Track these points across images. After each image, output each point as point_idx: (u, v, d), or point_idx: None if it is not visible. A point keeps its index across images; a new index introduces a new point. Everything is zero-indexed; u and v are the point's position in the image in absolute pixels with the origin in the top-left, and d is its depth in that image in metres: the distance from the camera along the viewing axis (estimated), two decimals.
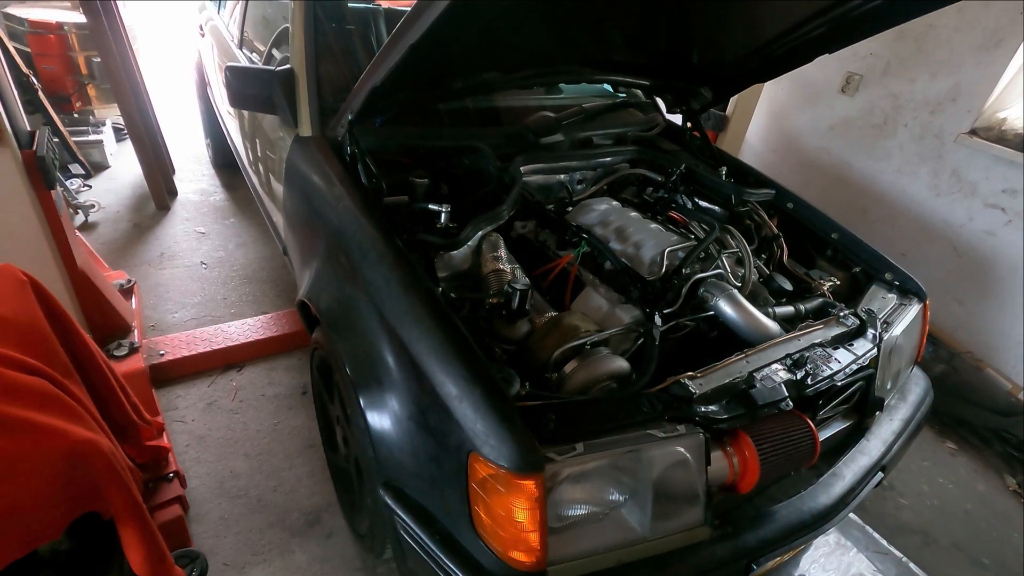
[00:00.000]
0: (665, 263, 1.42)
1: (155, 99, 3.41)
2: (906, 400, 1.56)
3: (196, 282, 2.72)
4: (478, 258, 1.43)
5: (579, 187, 1.85)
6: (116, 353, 1.92)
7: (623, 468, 1.01)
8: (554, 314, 1.32)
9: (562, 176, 1.80)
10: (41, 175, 1.62)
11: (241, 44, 2.53)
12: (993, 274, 2.40)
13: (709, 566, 1.07)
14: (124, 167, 3.68)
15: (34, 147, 1.62)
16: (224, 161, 3.66)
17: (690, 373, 1.14)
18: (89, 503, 1.04)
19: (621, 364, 1.18)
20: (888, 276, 1.62)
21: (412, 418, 1.11)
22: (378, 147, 1.57)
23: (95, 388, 1.31)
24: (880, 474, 1.37)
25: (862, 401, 1.40)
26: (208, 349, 2.19)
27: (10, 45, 3.14)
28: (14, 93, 1.66)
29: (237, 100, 1.71)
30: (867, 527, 1.92)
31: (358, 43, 1.99)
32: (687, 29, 1.70)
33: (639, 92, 2.24)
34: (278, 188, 1.91)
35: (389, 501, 1.14)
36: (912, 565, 1.83)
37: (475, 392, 0.98)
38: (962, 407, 2.43)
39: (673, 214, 1.71)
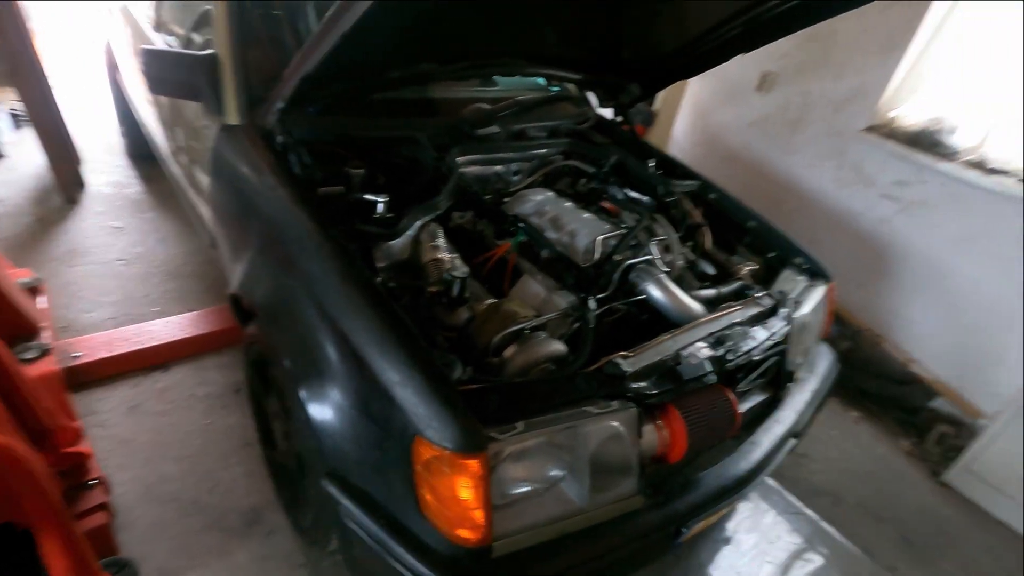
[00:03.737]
0: (598, 250, 1.49)
1: (56, 84, 3.14)
2: (815, 373, 1.71)
3: (113, 279, 2.55)
4: (417, 247, 1.44)
5: (515, 178, 1.88)
6: (24, 356, 1.78)
7: (561, 444, 1.06)
8: (493, 301, 1.35)
9: (498, 167, 1.84)
10: None
11: (158, 26, 2.38)
12: (887, 259, 2.65)
13: (643, 532, 1.15)
14: (23, 157, 3.37)
15: None
16: (141, 151, 3.42)
17: (623, 353, 1.20)
18: (6, 513, 0.98)
19: (558, 347, 1.24)
20: (798, 261, 1.75)
21: (355, 406, 1.11)
22: (313, 137, 1.54)
23: (4, 393, 1.22)
24: (793, 440, 1.50)
25: (776, 375, 1.53)
26: (130, 349, 2.07)
27: None
28: None
29: (156, 86, 1.62)
30: (784, 491, 2.09)
31: (287, 29, 1.93)
32: (619, 26, 1.77)
33: (571, 86, 2.30)
34: (203, 179, 1.83)
35: (333, 490, 1.14)
36: (824, 524, 2.01)
37: (417, 377, 1.00)
38: (864, 379, 2.68)
39: (605, 204, 1.79)
